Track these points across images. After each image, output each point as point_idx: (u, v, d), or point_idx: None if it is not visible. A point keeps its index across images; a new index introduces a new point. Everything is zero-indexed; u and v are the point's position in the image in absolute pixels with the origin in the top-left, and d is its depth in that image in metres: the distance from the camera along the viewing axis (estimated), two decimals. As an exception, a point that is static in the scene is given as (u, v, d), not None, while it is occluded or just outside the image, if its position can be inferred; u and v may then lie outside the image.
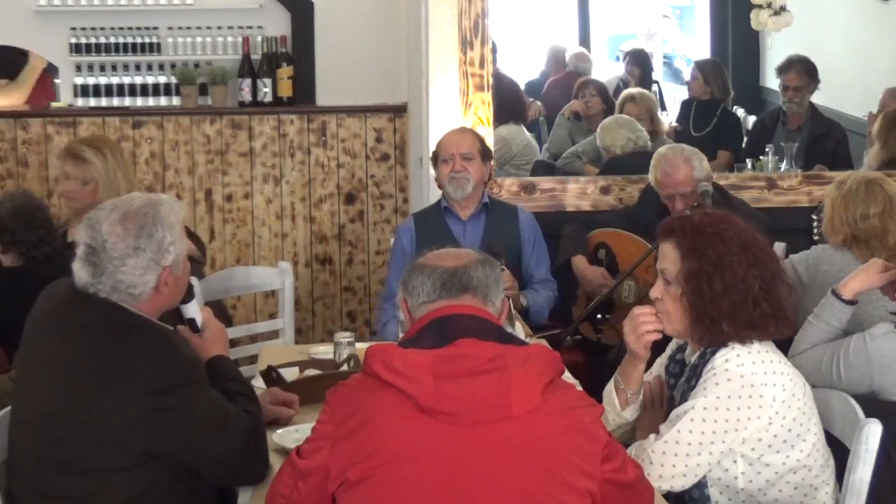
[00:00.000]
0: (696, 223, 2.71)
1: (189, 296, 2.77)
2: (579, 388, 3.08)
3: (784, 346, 2.79)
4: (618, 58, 8.45)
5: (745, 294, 2.62)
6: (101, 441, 2.45)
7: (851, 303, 3.22)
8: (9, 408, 2.75)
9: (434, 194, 4.74)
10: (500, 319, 2.32)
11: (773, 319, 2.65)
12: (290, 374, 3.29)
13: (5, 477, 2.66)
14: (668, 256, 2.70)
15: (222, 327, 2.88)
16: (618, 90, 7.17)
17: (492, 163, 4.55)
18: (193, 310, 2.81)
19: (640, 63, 7.89)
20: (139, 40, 6.03)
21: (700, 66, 6.96)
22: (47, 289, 2.68)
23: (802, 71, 6.07)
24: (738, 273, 2.63)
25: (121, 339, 2.49)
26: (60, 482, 2.49)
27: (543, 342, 3.67)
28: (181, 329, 2.77)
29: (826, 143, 5.98)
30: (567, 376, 3.31)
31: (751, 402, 2.57)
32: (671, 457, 2.58)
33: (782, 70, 6.16)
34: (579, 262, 4.61)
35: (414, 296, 2.30)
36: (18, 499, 2.59)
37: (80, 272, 2.55)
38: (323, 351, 3.60)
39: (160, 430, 2.46)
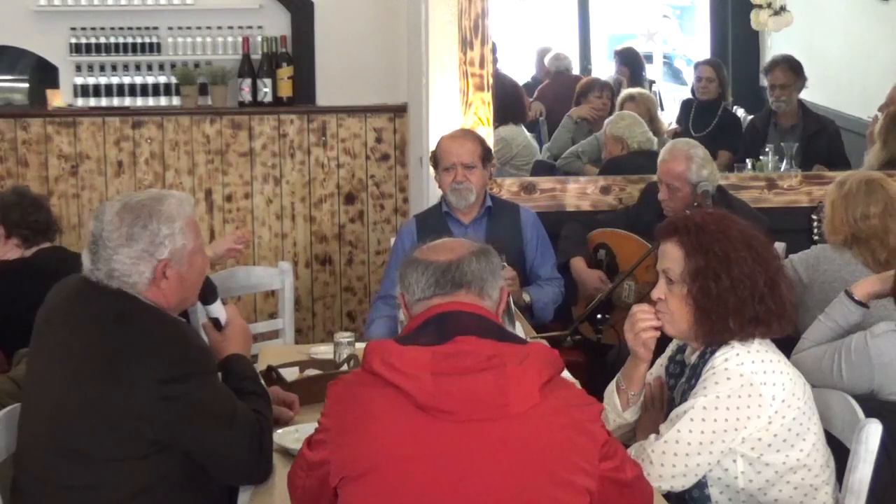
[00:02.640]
0: (698, 221, 2.71)
1: (213, 297, 2.85)
2: (579, 387, 3.08)
3: (784, 346, 2.79)
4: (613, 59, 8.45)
5: (751, 290, 2.63)
6: (110, 429, 2.47)
7: (862, 304, 3.23)
8: (11, 406, 2.79)
9: (434, 194, 4.73)
10: (499, 308, 2.30)
11: (777, 316, 2.65)
12: (290, 374, 3.29)
13: (13, 469, 2.69)
14: (671, 256, 2.70)
15: (245, 327, 2.92)
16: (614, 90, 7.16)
17: (493, 163, 4.53)
18: (217, 309, 2.88)
19: (628, 62, 7.85)
20: (139, 40, 6.03)
21: (714, 67, 6.93)
22: (59, 283, 2.72)
23: (787, 68, 6.10)
24: (744, 269, 2.63)
25: (131, 327, 2.53)
26: (69, 471, 2.51)
27: (543, 342, 3.68)
28: (205, 326, 2.85)
29: (821, 139, 5.99)
30: (567, 376, 3.32)
31: (750, 402, 2.57)
32: (671, 457, 2.58)
33: (768, 70, 6.22)
34: (577, 263, 4.61)
35: (410, 292, 2.28)
36: (26, 490, 2.60)
37: (85, 259, 2.63)
38: (323, 351, 3.60)
39: (167, 420, 2.47)
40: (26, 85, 6.32)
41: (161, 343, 2.51)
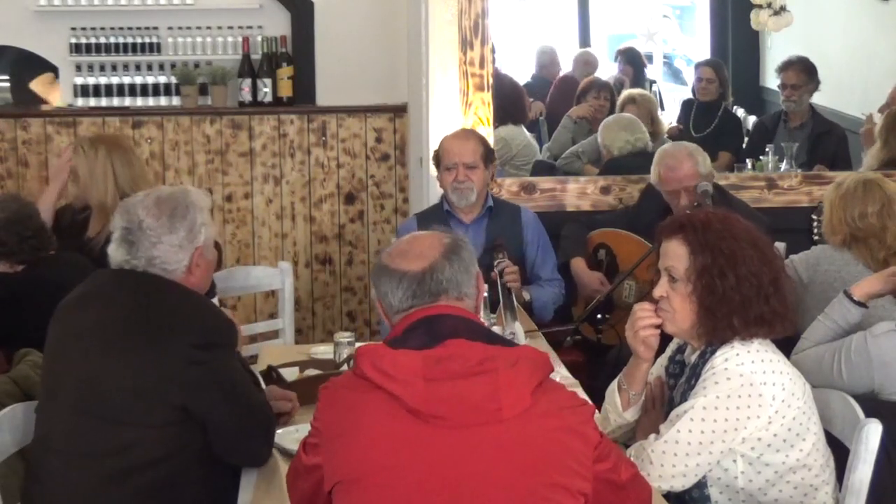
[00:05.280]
0: (703, 219, 2.71)
1: (212, 294, 3.05)
2: (579, 388, 3.08)
3: (784, 346, 2.79)
4: (616, 59, 8.46)
5: (757, 289, 2.62)
6: (141, 393, 2.56)
7: (861, 305, 3.23)
8: (12, 406, 2.84)
9: (434, 194, 4.73)
10: (478, 300, 2.30)
11: (780, 317, 2.65)
12: (290, 374, 3.30)
13: (29, 456, 2.75)
14: (676, 254, 2.69)
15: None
16: (616, 90, 7.15)
17: (495, 163, 4.53)
18: None
19: (631, 61, 7.88)
20: (139, 40, 6.03)
21: (715, 68, 6.93)
22: (90, 277, 2.81)
23: (801, 69, 6.11)
24: (750, 268, 2.63)
25: (166, 297, 2.67)
26: (95, 436, 2.58)
27: (543, 346, 3.68)
28: None
29: (828, 141, 6.01)
30: (567, 376, 3.32)
31: (750, 402, 2.57)
32: (671, 456, 2.58)
33: (781, 69, 6.21)
34: (578, 264, 4.61)
35: (387, 303, 2.26)
36: (44, 469, 2.64)
37: (116, 253, 2.72)
38: (323, 351, 3.61)
39: (192, 383, 2.57)
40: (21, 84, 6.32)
41: (196, 311, 2.66)
